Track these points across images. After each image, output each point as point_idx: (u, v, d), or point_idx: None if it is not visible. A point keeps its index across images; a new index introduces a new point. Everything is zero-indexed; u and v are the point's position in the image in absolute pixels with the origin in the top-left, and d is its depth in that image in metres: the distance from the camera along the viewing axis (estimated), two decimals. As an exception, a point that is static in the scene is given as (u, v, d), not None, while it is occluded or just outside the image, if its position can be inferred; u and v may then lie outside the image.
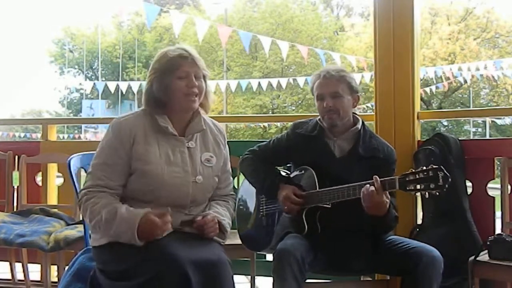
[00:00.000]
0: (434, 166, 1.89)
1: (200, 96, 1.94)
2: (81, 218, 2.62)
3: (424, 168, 1.90)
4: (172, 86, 1.90)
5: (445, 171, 1.87)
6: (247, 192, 2.44)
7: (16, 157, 3.28)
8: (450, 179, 1.87)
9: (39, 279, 3.20)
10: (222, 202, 2.07)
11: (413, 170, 1.94)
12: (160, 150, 1.90)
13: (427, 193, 1.90)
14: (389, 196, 2.01)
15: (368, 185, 1.97)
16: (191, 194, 1.92)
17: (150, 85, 1.94)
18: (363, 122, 2.26)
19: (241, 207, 2.46)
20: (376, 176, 1.97)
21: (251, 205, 2.40)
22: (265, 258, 3.07)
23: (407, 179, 1.93)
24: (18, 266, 3.05)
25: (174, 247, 1.76)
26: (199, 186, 1.94)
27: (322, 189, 2.11)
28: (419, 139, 2.87)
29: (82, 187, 1.92)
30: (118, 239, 1.80)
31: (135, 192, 1.89)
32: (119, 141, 1.88)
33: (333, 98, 2.17)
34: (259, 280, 2.86)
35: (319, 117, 2.29)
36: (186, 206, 1.93)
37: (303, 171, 2.22)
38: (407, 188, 1.93)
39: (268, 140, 2.43)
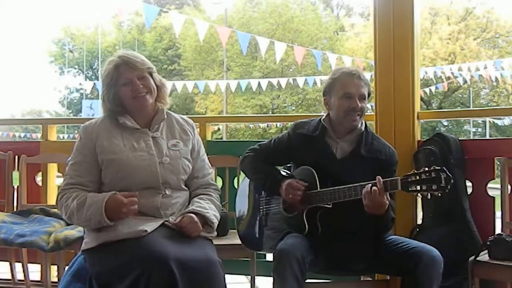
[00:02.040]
0: (437, 167, 1.89)
1: (150, 92, 2.04)
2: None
3: (426, 169, 1.90)
4: (120, 95, 2.02)
5: (448, 172, 1.87)
6: (247, 191, 2.44)
7: (16, 157, 3.28)
8: (452, 180, 1.87)
9: (39, 279, 3.20)
10: (204, 196, 2.10)
11: (415, 171, 1.94)
12: (125, 142, 2.01)
13: (429, 194, 1.90)
14: (389, 198, 2.01)
15: (370, 185, 1.97)
16: (160, 174, 1.97)
17: (103, 99, 2.07)
18: (366, 124, 2.26)
19: (240, 206, 2.46)
20: (379, 177, 1.98)
21: (251, 205, 2.40)
22: (265, 258, 3.06)
23: (409, 180, 1.93)
24: (18, 266, 3.05)
25: (162, 244, 1.78)
26: (167, 167, 2.00)
27: (323, 189, 2.11)
28: (419, 139, 2.87)
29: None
30: (89, 223, 1.89)
31: (110, 185, 1.97)
32: (84, 141, 2.03)
33: (360, 100, 2.17)
34: (259, 280, 2.86)
35: (321, 117, 2.28)
36: (160, 187, 1.98)
37: (304, 171, 2.21)
38: (409, 189, 1.94)
39: (269, 139, 2.44)
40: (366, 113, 2.25)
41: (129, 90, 2.00)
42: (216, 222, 2.02)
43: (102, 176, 1.99)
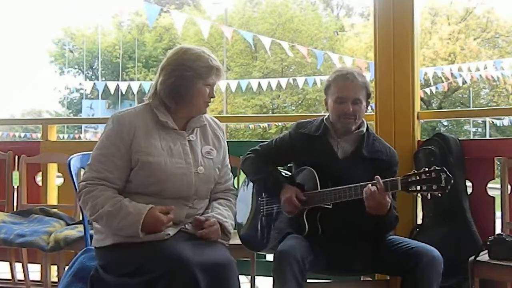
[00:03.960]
0: (437, 168, 1.89)
1: None
2: (81, 218, 2.62)
3: (427, 169, 1.91)
4: (198, 89, 1.94)
5: (448, 173, 1.87)
6: (248, 192, 2.44)
7: (16, 157, 3.28)
8: (452, 181, 1.87)
9: (39, 279, 3.20)
10: (223, 201, 2.06)
11: (416, 171, 1.94)
12: (162, 143, 1.92)
13: (429, 194, 1.90)
14: (390, 197, 2.01)
15: (370, 185, 1.97)
16: (194, 184, 1.93)
17: (178, 78, 1.92)
18: (367, 125, 2.26)
19: (241, 207, 2.46)
20: (378, 177, 1.97)
21: (252, 205, 2.40)
22: (265, 258, 3.07)
23: (409, 180, 1.93)
24: (18, 266, 3.05)
25: (182, 248, 1.76)
26: (201, 177, 1.95)
27: (324, 190, 2.11)
28: (419, 139, 2.87)
29: (81, 178, 1.93)
30: (120, 232, 1.82)
31: (139, 186, 1.89)
32: (119, 134, 1.89)
33: (353, 104, 2.16)
34: (259, 280, 2.86)
35: (324, 117, 2.28)
36: (190, 198, 1.93)
37: (304, 172, 2.21)
38: (409, 189, 1.94)
39: (269, 139, 2.43)
40: (366, 113, 2.25)
41: (206, 93, 1.96)
42: (232, 232, 2.00)
43: (132, 175, 1.89)
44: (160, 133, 1.93)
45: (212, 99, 2.00)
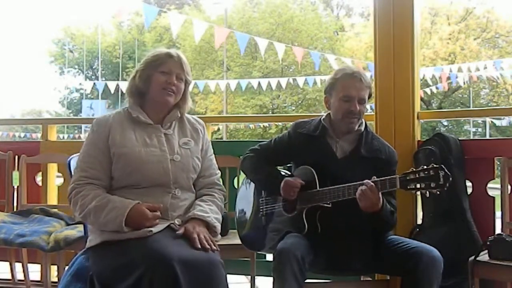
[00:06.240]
0: (435, 165, 1.89)
1: (177, 95, 2.07)
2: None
3: (425, 167, 1.91)
4: (153, 78, 2.04)
5: (446, 170, 1.87)
6: (247, 192, 2.44)
7: (16, 157, 3.28)
8: (450, 178, 1.87)
9: (39, 279, 3.20)
10: (206, 197, 2.08)
11: (414, 169, 1.94)
12: (137, 136, 2.01)
13: (427, 192, 1.90)
14: (381, 196, 2.01)
15: (363, 187, 1.98)
16: (171, 170, 1.97)
17: (134, 75, 2.09)
18: (366, 124, 2.26)
19: (241, 207, 2.46)
20: (368, 180, 1.98)
21: (251, 205, 2.40)
22: (265, 258, 3.07)
23: (407, 178, 1.94)
24: (18, 266, 3.05)
25: (165, 244, 1.78)
26: (178, 164, 2.00)
27: (323, 189, 2.11)
28: (419, 139, 2.87)
29: (70, 181, 2.00)
30: (105, 226, 1.86)
31: (120, 179, 1.96)
32: (97, 134, 2.01)
33: (360, 103, 2.16)
34: (259, 280, 2.86)
35: (322, 117, 2.28)
36: (170, 186, 1.97)
37: (304, 171, 2.21)
38: (408, 187, 1.94)
39: (269, 139, 2.44)
40: (366, 113, 2.25)
41: (163, 80, 2.02)
42: (218, 225, 2.00)
43: (112, 170, 1.97)
44: (136, 129, 2.03)
45: (173, 87, 2.03)
